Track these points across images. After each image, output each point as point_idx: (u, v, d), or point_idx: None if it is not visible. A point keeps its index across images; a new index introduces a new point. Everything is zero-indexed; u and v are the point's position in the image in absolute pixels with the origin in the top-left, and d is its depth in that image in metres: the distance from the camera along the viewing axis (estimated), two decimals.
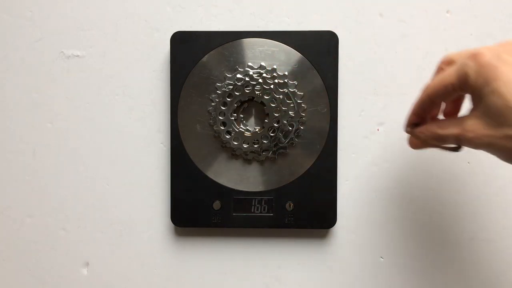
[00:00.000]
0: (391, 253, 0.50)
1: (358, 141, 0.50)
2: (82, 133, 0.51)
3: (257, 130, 0.48)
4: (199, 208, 0.49)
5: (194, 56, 0.48)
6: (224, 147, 0.48)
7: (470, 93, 0.33)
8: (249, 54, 0.48)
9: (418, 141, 0.39)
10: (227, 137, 0.48)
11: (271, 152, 0.48)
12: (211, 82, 0.48)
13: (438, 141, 0.36)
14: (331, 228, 0.49)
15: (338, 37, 0.47)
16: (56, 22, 0.51)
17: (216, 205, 0.49)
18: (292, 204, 0.48)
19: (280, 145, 0.48)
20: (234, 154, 0.48)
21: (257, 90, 0.47)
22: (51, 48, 0.51)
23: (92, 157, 0.51)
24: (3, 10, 0.51)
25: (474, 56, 0.32)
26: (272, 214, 0.48)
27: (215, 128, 0.48)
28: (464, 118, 0.34)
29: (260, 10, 0.50)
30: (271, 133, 0.47)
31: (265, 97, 0.47)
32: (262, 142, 0.48)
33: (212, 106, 0.48)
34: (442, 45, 0.49)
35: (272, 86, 0.47)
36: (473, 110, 0.33)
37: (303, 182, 0.48)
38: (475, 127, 0.32)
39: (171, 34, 0.48)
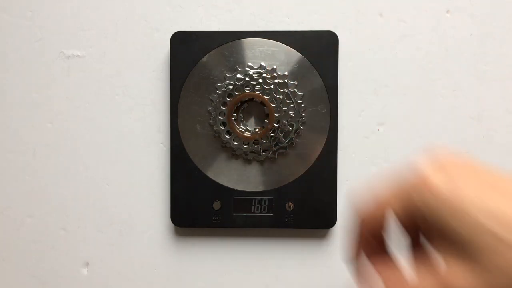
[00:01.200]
0: None
1: (358, 141, 0.50)
2: (82, 133, 0.51)
3: (257, 130, 0.48)
4: (199, 208, 0.49)
5: (194, 56, 0.48)
6: (224, 147, 0.48)
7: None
8: (249, 54, 0.48)
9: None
10: (227, 137, 0.48)
11: (271, 152, 0.48)
12: (211, 82, 0.48)
13: None
14: (331, 228, 0.49)
15: (338, 37, 0.47)
16: (56, 22, 0.51)
17: (216, 205, 0.49)
18: (292, 204, 0.48)
19: (280, 145, 0.48)
20: (234, 154, 0.48)
21: (257, 90, 0.47)
22: (51, 48, 0.51)
23: (92, 157, 0.51)
24: (3, 10, 0.51)
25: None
26: (272, 214, 0.48)
27: (215, 128, 0.48)
28: (438, 267, 0.25)
29: (260, 10, 0.50)
30: (271, 133, 0.47)
31: (265, 97, 0.47)
32: (262, 142, 0.48)
33: (212, 106, 0.48)
34: (442, 45, 0.49)
35: (272, 86, 0.47)
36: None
37: (303, 182, 0.48)
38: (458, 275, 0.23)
39: (171, 34, 0.48)
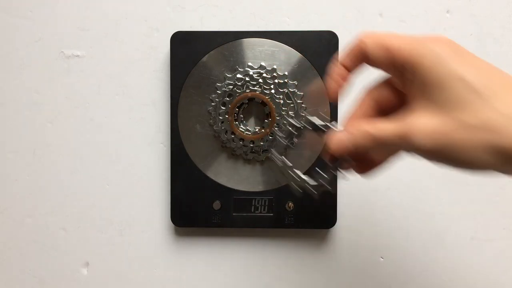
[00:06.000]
0: (391, 253, 0.50)
1: None
2: (82, 133, 0.51)
3: (257, 130, 0.48)
4: (199, 208, 0.49)
5: (194, 56, 0.48)
6: (224, 147, 0.48)
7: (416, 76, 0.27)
8: (249, 54, 0.48)
9: (340, 144, 0.30)
10: (227, 137, 0.48)
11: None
12: (211, 82, 0.48)
13: (373, 144, 0.28)
14: (331, 228, 0.49)
15: (338, 37, 0.47)
16: (56, 22, 0.51)
17: (216, 205, 0.49)
18: (292, 204, 0.48)
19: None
20: (234, 154, 0.48)
21: (257, 90, 0.47)
22: (51, 48, 0.51)
23: (92, 157, 0.51)
24: (3, 10, 0.51)
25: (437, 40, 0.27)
26: (272, 214, 0.48)
27: (215, 128, 0.48)
28: (406, 114, 0.28)
29: (260, 10, 0.50)
30: (271, 133, 0.47)
31: (265, 97, 0.47)
32: (262, 142, 0.48)
33: (212, 106, 0.48)
34: None
35: (272, 86, 0.47)
36: (417, 103, 0.27)
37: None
38: (424, 120, 0.26)
39: (171, 34, 0.48)
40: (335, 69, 0.32)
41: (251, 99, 0.48)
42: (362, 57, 0.30)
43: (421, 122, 0.26)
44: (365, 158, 0.32)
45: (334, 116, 0.48)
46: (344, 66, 0.32)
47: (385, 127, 0.28)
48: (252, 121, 0.49)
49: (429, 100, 0.26)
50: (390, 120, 0.28)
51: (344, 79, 0.32)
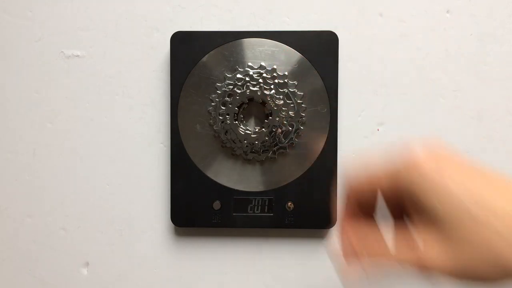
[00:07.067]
0: None
1: (358, 141, 0.50)
2: (82, 133, 0.51)
3: (257, 130, 0.48)
4: (199, 208, 0.49)
5: (194, 56, 0.48)
6: (224, 147, 0.48)
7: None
8: (249, 54, 0.48)
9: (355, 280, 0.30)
10: (227, 137, 0.48)
11: (271, 152, 0.48)
12: (211, 82, 0.48)
13: (383, 273, 0.30)
14: (331, 228, 0.49)
15: (338, 37, 0.47)
16: (56, 22, 0.51)
17: (216, 205, 0.49)
18: (292, 204, 0.48)
19: (280, 145, 0.48)
20: (234, 154, 0.48)
21: (257, 90, 0.47)
22: (51, 48, 0.51)
23: (92, 157, 0.51)
24: (3, 10, 0.51)
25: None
26: (272, 214, 0.48)
27: (215, 128, 0.48)
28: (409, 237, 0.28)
29: (260, 10, 0.50)
30: (271, 133, 0.47)
31: (265, 97, 0.47)
32: (262, 142, 0.48)
33: (212, 106, 0.48)
34: (442, 45, 0.49)
35: (272, 86, 0.47)
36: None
37: (303, 182, 0.48)
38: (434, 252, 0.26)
39: (171, 34, 0.48)
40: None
41: (250, 99, 0.48)
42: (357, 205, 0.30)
43: (432, 254, 0.26)
44: None
45: (334, 117, 0.48)
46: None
47: (402, 255, 0.28)
48: (252, 121, 0.49)
49: (435, 232, 0.26)
50: (404, 250, 0.28)
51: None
